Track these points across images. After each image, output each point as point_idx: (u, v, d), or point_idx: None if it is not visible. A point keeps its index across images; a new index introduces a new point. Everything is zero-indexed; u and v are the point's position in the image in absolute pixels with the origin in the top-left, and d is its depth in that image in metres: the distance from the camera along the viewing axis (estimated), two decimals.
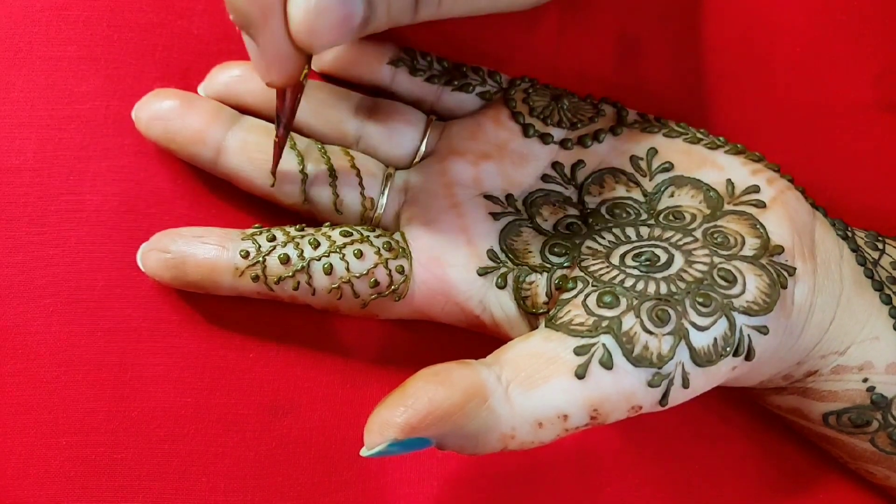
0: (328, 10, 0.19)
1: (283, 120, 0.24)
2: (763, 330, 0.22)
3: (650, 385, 0.21)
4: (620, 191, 0.26)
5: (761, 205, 0.25)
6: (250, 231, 0.25)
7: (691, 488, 0.28)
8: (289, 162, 0.26)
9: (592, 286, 0.23)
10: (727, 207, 0.25)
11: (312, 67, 0.29)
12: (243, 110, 0.28)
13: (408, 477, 0.27)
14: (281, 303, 0.26)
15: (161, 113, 0.26)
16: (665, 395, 0.21)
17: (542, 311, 0.24)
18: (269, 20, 0.19)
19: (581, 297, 0.23)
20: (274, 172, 0.26)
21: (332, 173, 0.26)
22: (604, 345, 0.21)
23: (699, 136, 0.27)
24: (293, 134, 0.27)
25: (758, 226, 0.24)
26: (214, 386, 0.27)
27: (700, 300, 0.22)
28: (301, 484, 0.27)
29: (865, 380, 0.25)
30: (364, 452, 0.20)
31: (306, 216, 0.27)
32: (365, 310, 0.25)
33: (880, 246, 0.27)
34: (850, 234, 0.27)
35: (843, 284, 0.25)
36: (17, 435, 0.26)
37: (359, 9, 0.19)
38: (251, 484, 0.26)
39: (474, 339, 0.27)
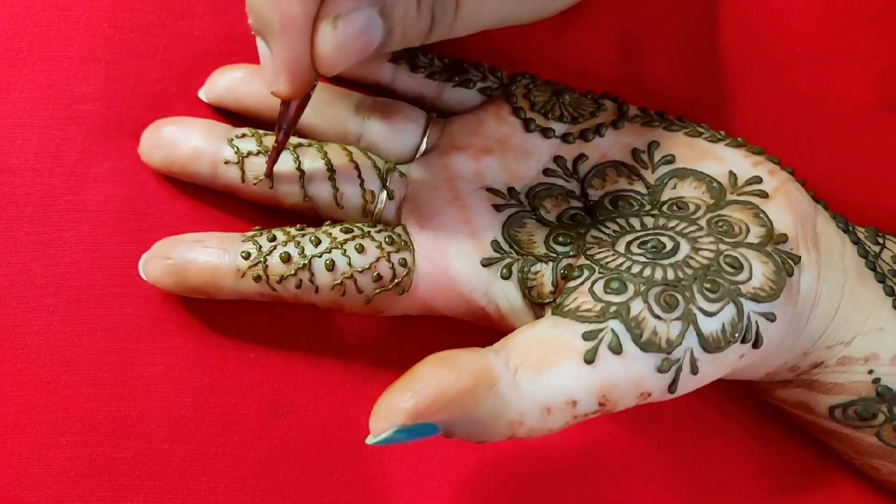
0: (353, 41, 0.20)
1: (284, 127, 0.24)
2: (770, 317, 0.22)
3: (659, 371, 0.21)
4: (623, 183, 0.26)
5: (764, 195, 0.25)
6: (250, 233, 0.25)
7: (692, 486, 0.28)
8: (286, 161, 0.26)
9: (599, 273, 0.23)
10: (730, 197, 0.25)
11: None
12: (244, 113, 0.28)
13: (408, 477, 0.27)
14: (284, 304, 0.26)
15: (158, 140, 0.27)
16: (674, 382, 0.21)
17: (548, 300, 0.24)
18: (288, 33, 0.20)
19: (588, 284, 0.23)
20: (269, 175, 0.26)
21: (331, 168, 0.26)
22: (612, 330, 0.21)
23: (700, 129, 0.27)
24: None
25: (761, 215, 0.24)
26: (214, 386, 0.27)
27: (707, 286, 0.22)
28: (301, 484, 0.27)
29: (871, 371, 0.25)
30: (370, 440, 0.20)
31: (309, 215, 0.27)
32: (369, 306, 0.25)
33: (881, 241, 0.27)
34: (850, 228, 0.27)
35: (846, 275, 0.25)
36: (17, 435, 0.26)
37: (378, 37, 0.21)
38: (251, 484, 0.26)
39: (477, 339, 0.27)
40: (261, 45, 0.21)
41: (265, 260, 0.24)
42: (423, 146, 0.28)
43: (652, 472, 0.28)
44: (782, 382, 0.27)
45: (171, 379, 0.27)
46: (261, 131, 0.27)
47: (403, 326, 0.28)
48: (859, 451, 0.27)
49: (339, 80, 0.29)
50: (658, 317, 0.21)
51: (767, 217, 0.24)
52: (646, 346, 0.21)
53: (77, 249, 0.27)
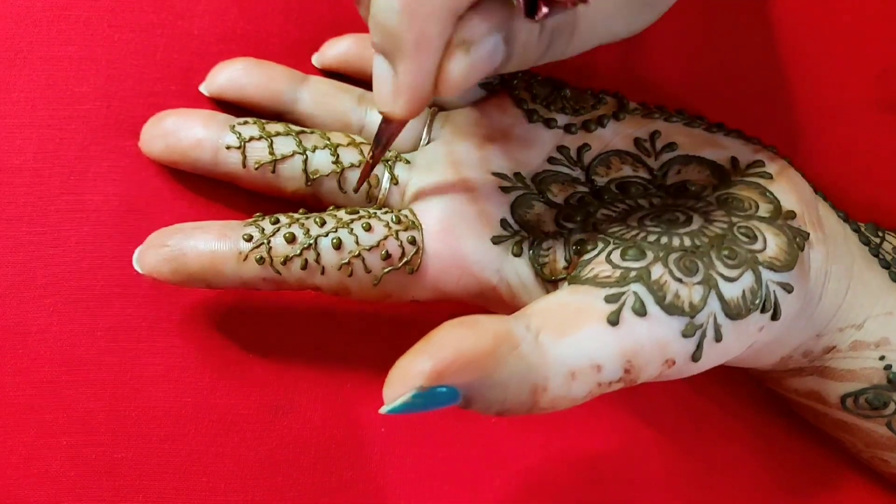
0: (480, 67, 0.20)
1: (382, 142, 0.23)
2: (787, 287, 0.22)
3: (684, 335, 0.20)
4: (627, 170, 0.26)
5: (768, 176, 0.25)
6: (252, 219, 0.24)
7: (694, 486, 0.28)
8: (287, 144, 0.26)
9: (614, 244, 0.22)
10: (735, 178, 0.25)
11: (314, 64, 0.29)
12: (247, 104, 0.28)
13: (408, 477, 0.27)
14: (287, 290, 0.24)
15: (159, 130, 0.26)
16: (699, 348, 0.21)
17: (561, 276, 0.23)
18: (421, 54, 0.19)
19: (604, 254, 0.22)
20: (358, 189, 0.26)
21: (334, 151, 0.26)
22: (635, 293, 0.20)
23: (698, 121, 0.27)
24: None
25: (768, 193, 0.24)
26: (214, 386, 0.27)
27: (726, 253, 0.22)
28: (301, 484, 0.27)
29: (882, 357, 0.25)
30: (384, 409, 0.18)
31: (311, 204, 0.27)
32: (377, 288, 0.24)
33: (881, 234, 0.28)
34: (850, 220, 0.27)
35: (853, 257, 0.26)
36: (17, 435, 0.26)
37: (498, 62, 0.20)
38: (251, 484, 0.26)
39: None
40: (380, 65, 0.20)
41: (269, 241, 0.23)
42: (426, 138, 0.28)
43: (652, 472, 0.28)
44: (795, 370, 0.27)
45: (171, 379, 0.27)
46: (263, 120, 0.27)
47: (404, 326, 0.28)
48: (869, 444, 0.27)
49: (342, 76, 0.29)
50: (680, 280, 0.21)
51: (774, 196, 0.24)
52: (669, 309, 0.20)
53: (76, 249, 0.27)
